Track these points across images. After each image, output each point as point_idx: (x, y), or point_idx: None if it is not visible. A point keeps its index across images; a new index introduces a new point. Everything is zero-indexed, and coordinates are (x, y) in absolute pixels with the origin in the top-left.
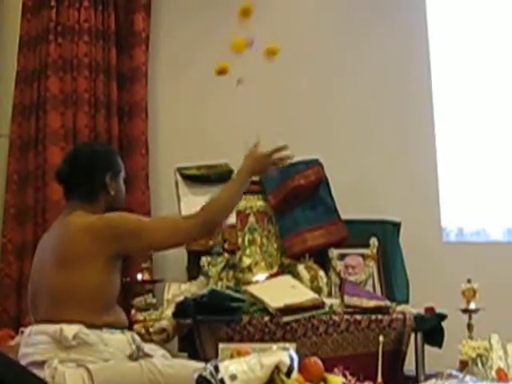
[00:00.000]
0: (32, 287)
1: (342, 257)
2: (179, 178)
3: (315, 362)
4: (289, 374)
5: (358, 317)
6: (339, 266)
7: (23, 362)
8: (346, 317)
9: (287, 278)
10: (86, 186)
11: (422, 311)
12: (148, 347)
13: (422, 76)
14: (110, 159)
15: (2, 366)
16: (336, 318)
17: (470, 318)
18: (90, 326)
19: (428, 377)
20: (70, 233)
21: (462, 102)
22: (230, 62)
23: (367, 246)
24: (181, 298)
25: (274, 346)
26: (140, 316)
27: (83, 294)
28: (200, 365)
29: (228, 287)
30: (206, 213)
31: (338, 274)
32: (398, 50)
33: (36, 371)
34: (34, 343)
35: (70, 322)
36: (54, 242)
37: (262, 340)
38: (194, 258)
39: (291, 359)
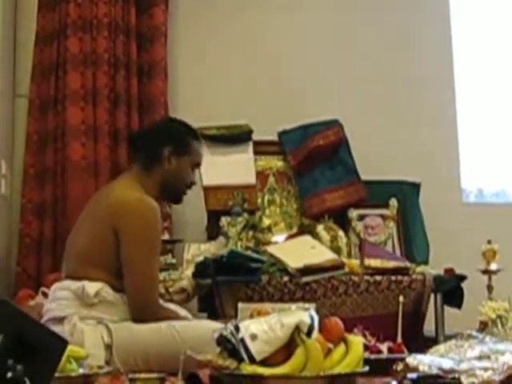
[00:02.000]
0: (67, 243)
1: (361, 217)
2: None
3: (336, 322)
4: (309, 333)
5: (378, 277)
6: (359, 226)
7: (46, 317)
8: (365, 277)
9: (307, 239)
10: (145, 152)
11: (441, 272)
12: (168, 307)
13: (442, 35)
14: (178, 136)
15: (23, 323)
16: (356, 278)
17: (489, 279)
18: (112, 287)
19: (447, 337)
20: (109, 201)
21: (483, 62)
22: (242, 22)
23: (387, 206)
24: (200, 258)
25: (294, 306)
26: (160, 276)
27: (107, 259)
28: (219, 325)
29: (247, 247)
30: (158, 315)
31: (358, 235)
32: (417, 16)
33: (55, 327)
34: (56, 298)
35: (93, 279)
36: (97, 204)
37: (281, 300)
38: (213, 218)
39: (312, 319)
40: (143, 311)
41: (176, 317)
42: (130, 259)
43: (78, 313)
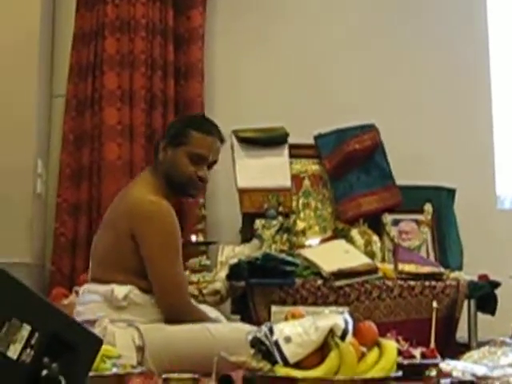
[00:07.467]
0: (92, 246)
1: (396, 222)
2: (235, 140)
3: (370, 326)
4: (343, 337)
5: (412, 282)
6: (393, 231)
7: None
8: (399, 282)
9: (341, 243)
10: (154, 149)
11: (475, 278)
12: (201, 309)
13: (479, 40)
14: (176, 127)
15: (59, 321)
16: (389, 283)
17: None
18: (140, 289)
19: (480, 344)
20: (125, 205)
21: None
22: (279, 25)
23: (421, 212)
24: (234, 261)
25: (327, 310)
26: (194, 277)
27: (130, 262)
28: (252, 328)
29: (282, 250)
30: (191, 316)
31: (392, 240)
32: (455, 18)
33: None
34: (86, 302)
35: (121, 283)
36: (116, 207)
37: (314, 303)
38: (248, 221)
39: (346, 322)
40: (173, 312)
41: (207, 318)
42: (151, 263)
43: (108, 316)
